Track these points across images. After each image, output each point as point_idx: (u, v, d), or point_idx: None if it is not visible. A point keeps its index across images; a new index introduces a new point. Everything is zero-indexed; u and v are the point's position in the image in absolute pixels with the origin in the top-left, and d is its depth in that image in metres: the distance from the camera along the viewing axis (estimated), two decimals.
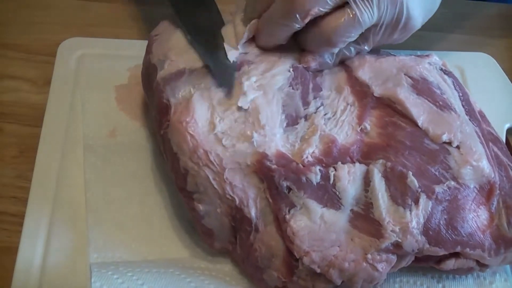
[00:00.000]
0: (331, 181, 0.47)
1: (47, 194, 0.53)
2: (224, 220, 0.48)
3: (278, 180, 0.46)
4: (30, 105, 0.61)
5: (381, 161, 0.48)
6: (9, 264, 0.49)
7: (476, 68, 0.70)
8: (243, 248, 0.48)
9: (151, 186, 0.55)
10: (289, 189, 0.46)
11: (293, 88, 0.51)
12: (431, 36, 0.75)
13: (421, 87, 0.53)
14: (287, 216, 0.46)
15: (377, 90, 0.52)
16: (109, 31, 0.67)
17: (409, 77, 0.54)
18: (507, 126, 0.64)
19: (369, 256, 0.45)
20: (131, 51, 0.65)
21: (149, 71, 0.55)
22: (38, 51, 0.66)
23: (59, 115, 0.59)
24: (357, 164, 0.48)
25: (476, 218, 0.48)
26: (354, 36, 0.51)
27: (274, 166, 0.46)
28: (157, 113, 0.51)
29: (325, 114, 0.51)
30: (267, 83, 0.50)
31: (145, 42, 0.57)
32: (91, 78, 0.62)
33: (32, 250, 0.49)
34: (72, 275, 0.49)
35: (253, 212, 0.47)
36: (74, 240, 0.51)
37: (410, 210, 0.46)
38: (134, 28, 0.69)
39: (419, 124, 0.50)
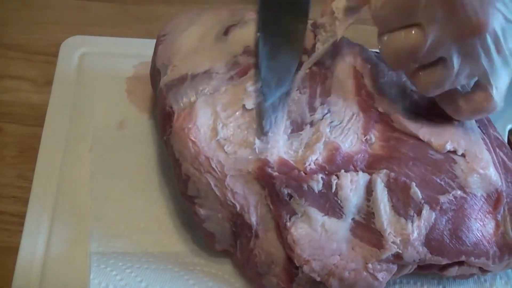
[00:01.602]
0: (333, 190, 0.46)
1: (48, 192, 0.53)
2: (225, 225, 0.48)
3: (279, 187, 0.46)
4: (30, 105, 0.61)
5: (384, 171, 0.47)
6: (10, 264, 0.49)
7: None
8: (243, 253, 0.48)
9: (156, 179, 0.55)
10: (290, 196, 0.46)
11: (300, 92, 0.51)
12: None
13: (422, 103, 0.52)
14: (288, 224, 0.45)
15: (380, 106, 0.51)
16: (109, 31, 0.67)
17: (414, 92, 0.53)
18: (509, 127, 0.64)
19: (369, 265, 0.45)
20: (134, 49, 0.65)
21: (154, 73, 0.55)
22: (38, 51, 0.66)
23: (61, 113, 0.59)
24: (360, 173, 0.47)
25: (482, 227, 0.48)
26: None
27: (275, 173, 0.46)
28: (160, 119, 0.51)
29: (331, 122, 0.50)
30: None
31: (149, 41, 0.57)
32: (97, 72, 0.63)
33: (33, 249, 0.50)
34: (73, 274, 0.49)
35: (253, 219, 0.46)
36: (76, 239, 0.51)
37: (412, 222, 0.46)
38: (134, 28, 0.69)
39: (420, 136, 0.50)
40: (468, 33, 0.43)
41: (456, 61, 0.45)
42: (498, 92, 0.47)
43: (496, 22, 0.43)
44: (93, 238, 0.50)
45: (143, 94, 0.61)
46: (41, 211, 0.52)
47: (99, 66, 0.63)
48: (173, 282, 0.48)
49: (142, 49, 0.62)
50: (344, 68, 0.54)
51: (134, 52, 0.64)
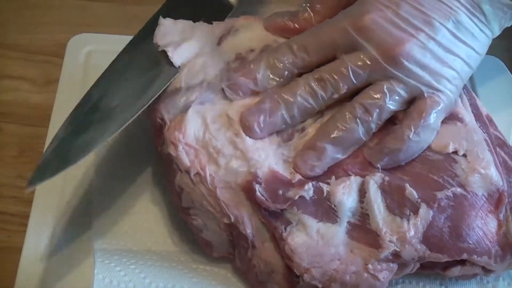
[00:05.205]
0: (325, 195, 0.46)
1: (52, 190, 0.53)
2: (222, 234, 0.48)
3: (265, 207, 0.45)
4: (30, 105, 0.61)
5: (378, 174, 0.47)
6: (9, 264, 0.49)
7: (484, 71, 0.69)
8: (243, 262, 0.48)
9: (159, 179, 0.56)
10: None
11: None
12: None
13: None
14: (284, 234, 0.45)
15: None
16: (109, 31, 0.67)
17: None
18: None
19: (369, 266, 0.45)
20: None
21: None
22: (38, 51, 0.66)
23: (67, 111, 0.58)
24: (352, 177, 0.47)
25: (483, 226, 0.47)
26: None
27: (259, 196, 0.45)
28: (153, 130, 0.51)
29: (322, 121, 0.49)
30: None
31: None
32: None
33: (37, 246, 0.50)
34: (77, 271, 0.49)
35: (248, 230, 0.46)
36: (79, 237, 0.51)
37: (408, 220, 0.46)
38: (134, 28, 0.69)
39: None
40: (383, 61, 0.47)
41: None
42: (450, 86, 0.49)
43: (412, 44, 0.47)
44: (97, 236, 0.51)
45: None
46: (46, 208, 0.52)
47: (106, 64, 0.63)
48: (177, 279, 0.48)
49: None
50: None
51: None
